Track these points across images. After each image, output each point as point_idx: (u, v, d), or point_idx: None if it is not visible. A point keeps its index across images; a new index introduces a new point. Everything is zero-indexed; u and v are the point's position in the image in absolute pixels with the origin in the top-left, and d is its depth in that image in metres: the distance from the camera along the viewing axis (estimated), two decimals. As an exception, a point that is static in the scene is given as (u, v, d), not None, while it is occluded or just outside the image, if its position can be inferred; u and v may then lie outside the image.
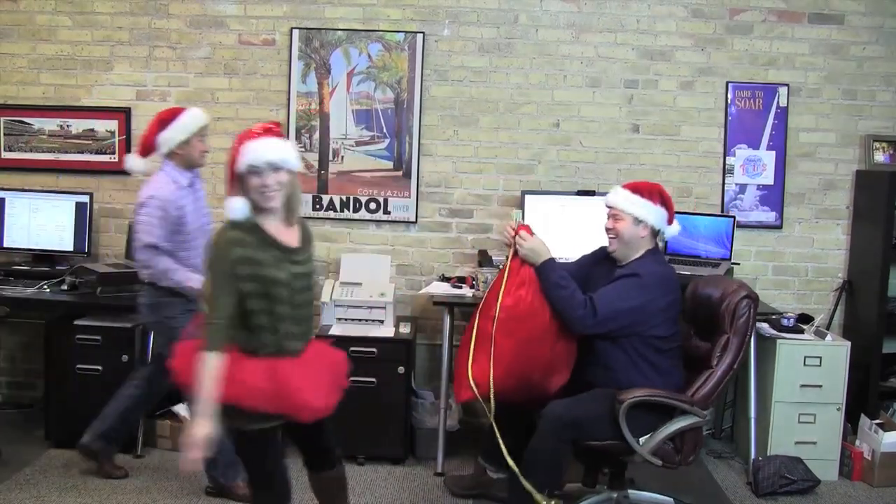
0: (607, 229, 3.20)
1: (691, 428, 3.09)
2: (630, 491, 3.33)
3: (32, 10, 4.44)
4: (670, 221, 3.21)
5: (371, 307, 4.03)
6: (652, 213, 3.13)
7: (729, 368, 3.14)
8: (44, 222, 4.34)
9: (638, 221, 3.12)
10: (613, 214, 3.17)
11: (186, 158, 3.38)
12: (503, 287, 3.08)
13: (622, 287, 3.07)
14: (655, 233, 3.19)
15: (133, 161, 3.44)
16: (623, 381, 3.05)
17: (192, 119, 3.39)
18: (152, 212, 3.29)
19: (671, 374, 3.15)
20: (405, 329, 4.06)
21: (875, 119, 4.39)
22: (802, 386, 3.89)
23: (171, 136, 3.34)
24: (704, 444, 4.36)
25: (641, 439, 3.04)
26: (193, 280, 3.26)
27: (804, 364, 3.88)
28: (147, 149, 3.41)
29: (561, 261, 3.27)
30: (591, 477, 3.46)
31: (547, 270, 3.07)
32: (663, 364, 3.12)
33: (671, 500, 3.35)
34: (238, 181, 2.45)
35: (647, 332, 3.07)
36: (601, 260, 3.31)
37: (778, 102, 4.38)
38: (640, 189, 3.17)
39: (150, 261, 3.31)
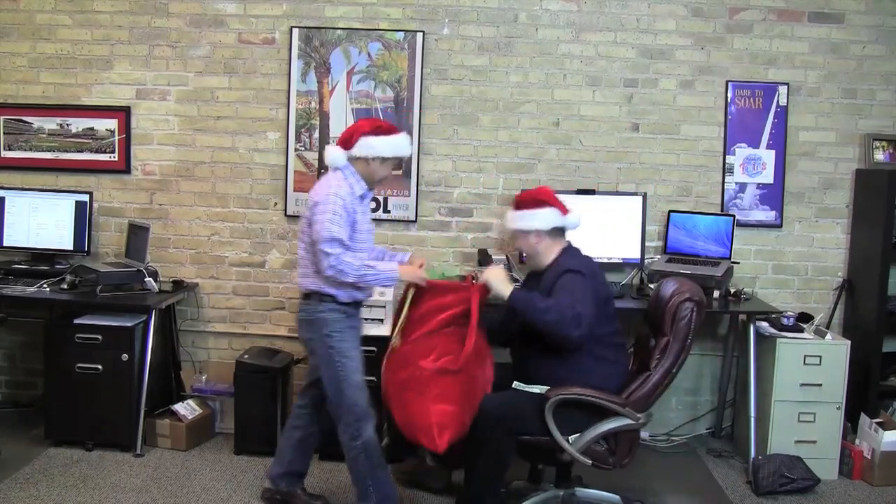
0: (516, 249, 3.44)
1: (626, 430, 3.07)
2: (577, 488, 3.34)
3: (32, 9, 4.44)
4: (565, 213, 3.25)
5: (371, 306, 4.02)
6: (538, 219, 3.19)
7: (667, 373, 3.11)
8: (44, 221, 4.34)
9: (530, 232, 3.21)
10: (513, 236, 3.33)
11: (370, 173, 3.21)
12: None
13: (571, 288, 3.05)
14: (558, 231, 3.24)
15: (334, 152, 3.21)
16: (562, 375, 3.06)
17: (402, 144, 3.26)
18: (335, 208, 3.07)
19: (612, 366, 3.16)
20: (405, 328, 4.06)
21: (875, 118, 4.39)
22: (802, 385, 3.89)
23: (376, 145, 3.16)
24: (705, 444, 4.37)
25: (571, 437, 3.05)
26: (392, 273, 3.13)
27: (804, 363, 3.88)
28: (347, 143, 3.19)
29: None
30: (536, 474, 3.51)
31: (522, 300, 3.06)
32: (605, 356, 3.13)
33: (618, 497, 3.36)
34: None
35: (600, 324, 3.09)
36: (525, 282, 3.43)
37: (778, 101, 4.38)
38: (521, 203, 3.27)
39: (336, 258, 3.03)
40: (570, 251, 3.25)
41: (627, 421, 3.05)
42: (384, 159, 3.20)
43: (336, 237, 3.05)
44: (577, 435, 3.05)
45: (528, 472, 3.55)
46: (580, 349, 3.03)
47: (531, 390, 3.07)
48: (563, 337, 2.96)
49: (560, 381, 3.05)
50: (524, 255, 3.34)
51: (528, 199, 3.25)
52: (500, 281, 3.11)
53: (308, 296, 3.21)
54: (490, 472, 3.04)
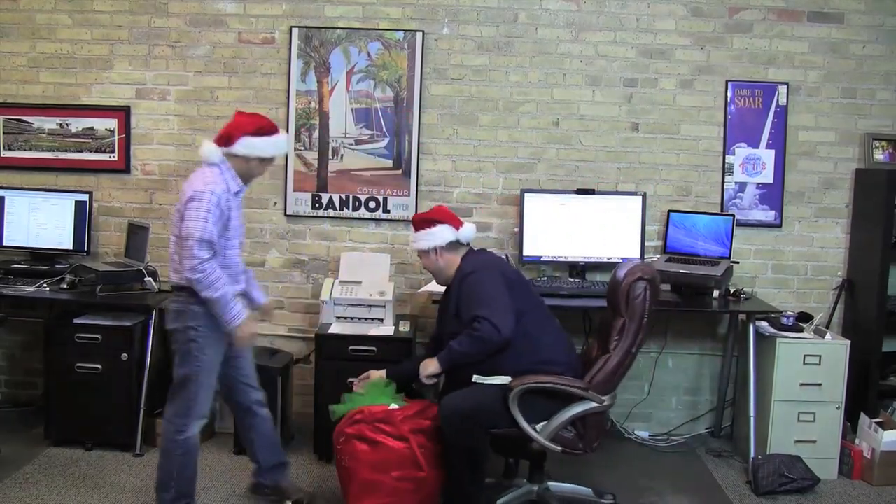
0: (423, 269, 3.51)
1: (592, 413, 3.10)
2: (550, 483, 3.36)
3: (32, 9, 4.44)
4: (458, 227, 3.35)
5: (371, 306, 4.03)
6: (433, 237, 3.32)
7: (627, 353, 3.16)
8: (43, 221, 4.34)
9: (430, 250, 3.32)
10: (419, 258, 3.44)
11: (247, 170, 3.15)
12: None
13: (476, 294, 3.14)
14: (454, 245, 3.34)
15: (210, 148, 3.11)
16: (502, 362, 3.09)
17: (283, 144, 3.25)
18: (209, 206, 2.98)
19: (550, 335, 3.20)
20: (405, 328, 4.06)
21: (874, 117, 4.39)
22: (802, 385, 3.89)
23: (259, 145, 3.11)
24: (705, 443, 4.37)
25: (539, 426, 3.06)
26: (240, 315, 3.04)
27: (804, 363, 3.88)
28: (227, 140, 3.11)
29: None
30: (510, 470, 3.54)
31: (446, 359, 3.14)
32: (537, 329, 3.16)
33: (590, 490, 3.41)
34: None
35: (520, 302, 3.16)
36: (442, 299, 3.48)
37: (777, 101, 4.38)
38: (417, 225, 3.40)
39: (204, 264, 2.95)
40: (467, 257, 3.35)
41: (592, 404, 3.08)
42: (263, 159, 3.18)
43: (206, 238, 2.97)
44: (544, 423, 3.07)
45: (504, 468, 3.57)
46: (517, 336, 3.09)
47: (493, 382, 3.07)
48: (497, 345, 3.04)
49: (502, 367, 3.08)
50: (432, 273, 3.45)
51: (422, 221, 3.38)
52: (427, 367, 3.19)
53: (181, 288, 3.11)
54: (469, 467, 3.04)
